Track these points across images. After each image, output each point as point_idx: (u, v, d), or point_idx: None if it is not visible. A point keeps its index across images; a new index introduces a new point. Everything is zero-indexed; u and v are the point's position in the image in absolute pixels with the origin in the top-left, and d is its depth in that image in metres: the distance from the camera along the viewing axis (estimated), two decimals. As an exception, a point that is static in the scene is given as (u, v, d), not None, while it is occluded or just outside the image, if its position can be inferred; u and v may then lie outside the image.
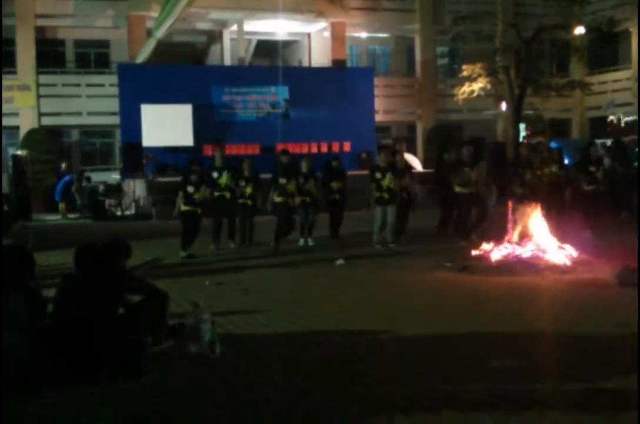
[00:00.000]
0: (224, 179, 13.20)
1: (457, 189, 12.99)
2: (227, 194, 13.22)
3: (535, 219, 10.29)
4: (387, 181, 12.73)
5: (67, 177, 22.53)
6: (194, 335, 5.90)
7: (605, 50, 32.98)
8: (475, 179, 12.91)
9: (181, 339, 6.02)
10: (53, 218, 21.58)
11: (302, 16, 28.65)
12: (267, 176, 13.87)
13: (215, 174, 13.24)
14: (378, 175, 12.80)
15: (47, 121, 27.19)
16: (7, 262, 5.37)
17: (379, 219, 12.84)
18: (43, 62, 27.80)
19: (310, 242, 13.39)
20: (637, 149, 18.00)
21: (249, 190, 13.22)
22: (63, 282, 5.71)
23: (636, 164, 16.15)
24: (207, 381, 5.26)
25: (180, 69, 26.27)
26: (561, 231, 10.58)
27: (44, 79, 27.35)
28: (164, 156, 23.38)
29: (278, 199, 13.10)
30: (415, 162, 24.07)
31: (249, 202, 13.27)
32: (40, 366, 5.16)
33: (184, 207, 12.45)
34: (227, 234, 13.37)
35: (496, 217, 13.17)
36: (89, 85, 27.98)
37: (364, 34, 32.63)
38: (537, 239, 10.10)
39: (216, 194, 13.15)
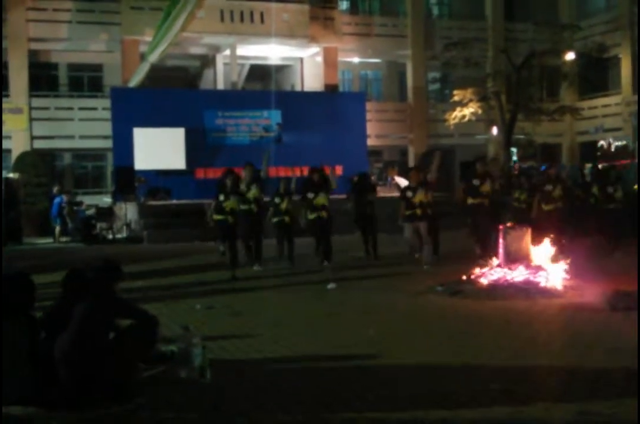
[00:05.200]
0: (285, 204, 13.59)
1: (469, 200, 13.21)
2: (287, 218, 13.59)
3: (527, 243, 10.31)
4: (418, 197, 12.89)
5: (57, 199, 22.48)
6: (184, 360, 5.86)
7: (595, 75, 33.28)
8: (485, 192, 13.05)
9: (172, 364, 5.97)
10: (44, 241, 21.50)
11: (295, 41, 28.86)
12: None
13: (277, 200, 13.63)
14: (409, 193, 13.00)
15: (39, 144, 27.17)
16: (9, 288, 5.35)
17: (408, 232, 13.14)
18: (36, 86, 27.85)
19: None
20: (637, 171, 18.18)
21: (284, 205, 13.48)
22: (54, 307, 5.67)
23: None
24: (198, 406, 5.22)
25: (173, 93, 26.38)
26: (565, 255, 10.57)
27: (36, 102, 27.39)
28: (156, 179, 23.37)
29: (311, 216, 13.33)
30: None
31: (287, 218, 13.51)
32: (31, 390, 5.12)
33: (216, 217, 12.62)
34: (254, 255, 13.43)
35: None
36: (81, 108, 28.01)
37: (356, 59, 32.91)
38: (529, 263, 10.09)
39: (275, 219, 13.60)
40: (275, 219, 13.59)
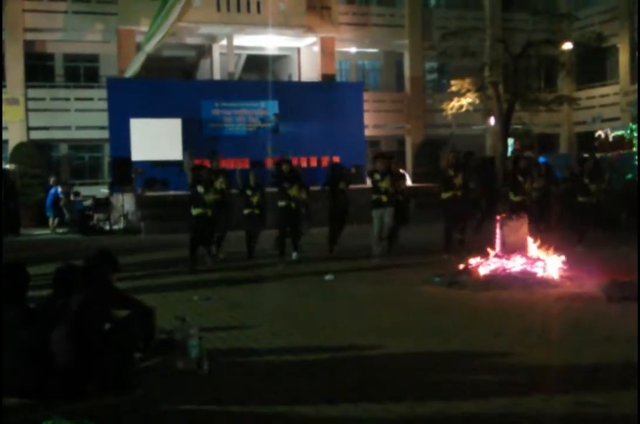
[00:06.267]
0: (256, 197, 13.43)
1: (443, 195, 13.11)
2: (257, 211, 13.42)
3: (524, 233, 10.31)
4: (385, 184, 12.84)
5: (52, 190, 22.44)
6: (181, 351, 5.86)
7: (593, 65, 33.24)
8: (458, 184, 12.97)
9: (169, 355, 5.97)
10: (42, 233, 21.49)
11: (292, 31, 28.76)
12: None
13: (249, 192, 13.46)
14: (377, 176, 12.91)
15: (35, 135, 27.12)
16: (4, 278, 5.34)
17: (377, 225, 12.92)
18: (32, 76, 27.78)
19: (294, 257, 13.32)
20: (636, 161, 18.14)
21: (255, 199, 13.35)
22: (47, 298, 5.66)
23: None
24: (195, 396, 5.22)
25: (169, 84, 26.29)
26: (550, 245, 10.56)
27: (32, 93, 27.32)
28: (153, 170, 23.32)
29: (282, 203, 13.01)
30: (405, 177, 24.16)
31: (257, 211, 13.38)
32: (29, 381, 5.12)
33: (195, 211, 12.36)
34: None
35: (484, 231, 13.27)
36: (78, 99, 27.95)
37: (353, 49, 32.81)
38: (525, 253, 10.10)
39: (246, 211, 13.43)
40: (246, 211, 13.47)
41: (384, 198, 12.82)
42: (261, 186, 13.71)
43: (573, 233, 13.85)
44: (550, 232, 13.18)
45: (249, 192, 13.41)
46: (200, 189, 12.34)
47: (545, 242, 10.47)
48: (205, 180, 12.57)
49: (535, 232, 10.97)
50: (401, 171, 15.05)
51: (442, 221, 13.54)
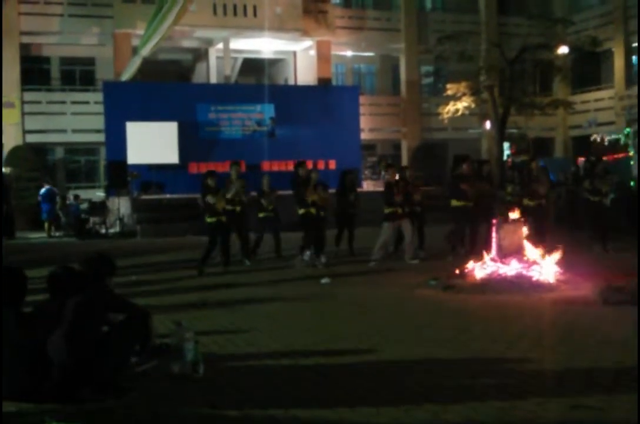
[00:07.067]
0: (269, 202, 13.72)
1: (453, 203, 13.12)
2: (272, 214, 13.66)
3: (520, 237, 10.32)
4: (398, 197, 12.88)
5: (43, 191, 22.31)
6: (177, 355, 5.85)
7: (588, 69, 33.33)
8: (471, 194, 13.00)
9: (165, 359, 5.96)
10: (37, 236, 21.45)
11: (288, 35, 28.82)
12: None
13: (263, 202, 13.72)
14: (392, 189, 12.96)
15: (31, 139, 27.11)
16: (2, 281, 5.33)
17: (386, 234, 12.90)
18: (28, 80, 27.78)
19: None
20: (631, 165, 18.19)
21: (270, 206, 13.58)
22: (43, 302, 5.65)
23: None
24: (191, 400, 5.21)
25: (165, 87, 26.34)
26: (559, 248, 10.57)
27: (28, 96, 27.32)
28: (149, 173, 23.34)
29: (302, 211, 12.95)
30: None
31: (271, 214, 13.51)
32: (25, 385, 5.11)
33: (209, 219, 12.36)
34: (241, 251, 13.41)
35: (481, 235, 13.25)
36: (74, 102, 27.98)
37: (349, 53, 32.89)
38: (521, 257, 10.11)
39: (262, 214, 13.64)
40: (261, 215, 13.54)
41: (399, 210, 12.91)
42: (274, 190, 13.87)
43: (585, 234, 14.07)
44: (550, 235, 13.24)
45: (263, 201, 13.50)
46: (211, 199, 12.29)
47: (553, 245, 10.51)
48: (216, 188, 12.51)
49: (539, 235, 11.03)
50: None
51: (450, 225, 13.69)
